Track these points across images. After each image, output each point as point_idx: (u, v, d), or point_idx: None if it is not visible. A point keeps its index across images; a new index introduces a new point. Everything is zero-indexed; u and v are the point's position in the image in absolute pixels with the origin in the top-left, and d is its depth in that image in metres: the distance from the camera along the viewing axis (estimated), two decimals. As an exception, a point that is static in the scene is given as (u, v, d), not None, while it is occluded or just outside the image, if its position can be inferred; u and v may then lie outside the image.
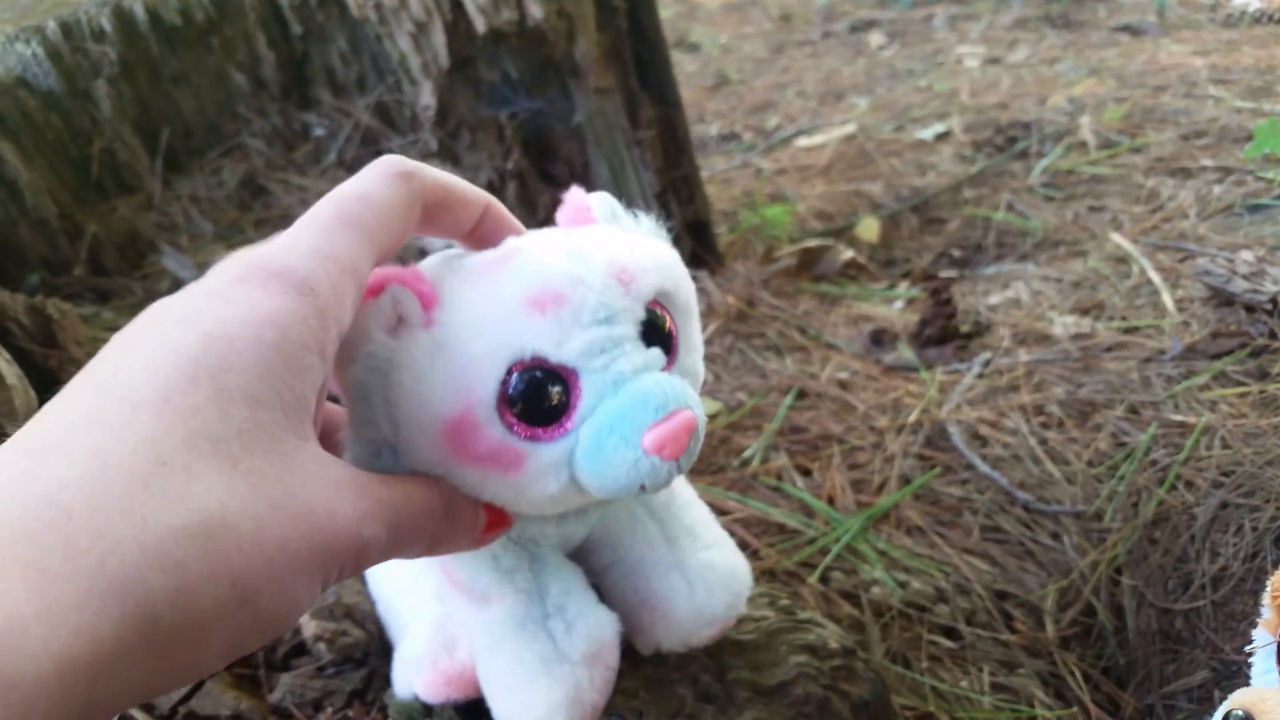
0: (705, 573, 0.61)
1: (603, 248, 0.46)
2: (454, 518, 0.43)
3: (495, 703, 0.57)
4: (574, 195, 0.52)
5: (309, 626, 0.77)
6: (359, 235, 0.40)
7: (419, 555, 0.43)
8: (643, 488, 0.43)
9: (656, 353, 0.46)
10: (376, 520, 0.37)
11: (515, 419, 0.43)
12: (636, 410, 0.42)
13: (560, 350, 0.42)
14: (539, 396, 0.43)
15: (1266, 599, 0.60)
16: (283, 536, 0.33)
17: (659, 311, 0.47)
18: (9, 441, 0.33)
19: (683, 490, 0.64)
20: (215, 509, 0.31)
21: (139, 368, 0.33)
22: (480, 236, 0.48)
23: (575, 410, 0.43)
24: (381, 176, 0.42)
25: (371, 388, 0.43)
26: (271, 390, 0.35)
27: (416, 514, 0.41)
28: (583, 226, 0.50)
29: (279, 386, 0.35)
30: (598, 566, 0.62)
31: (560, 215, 0.52)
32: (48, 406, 0.34)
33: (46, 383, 1.03)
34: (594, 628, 0.57)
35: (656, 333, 0.47)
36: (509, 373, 0.42)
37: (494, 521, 0.47)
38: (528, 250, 0.45)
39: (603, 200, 0.52)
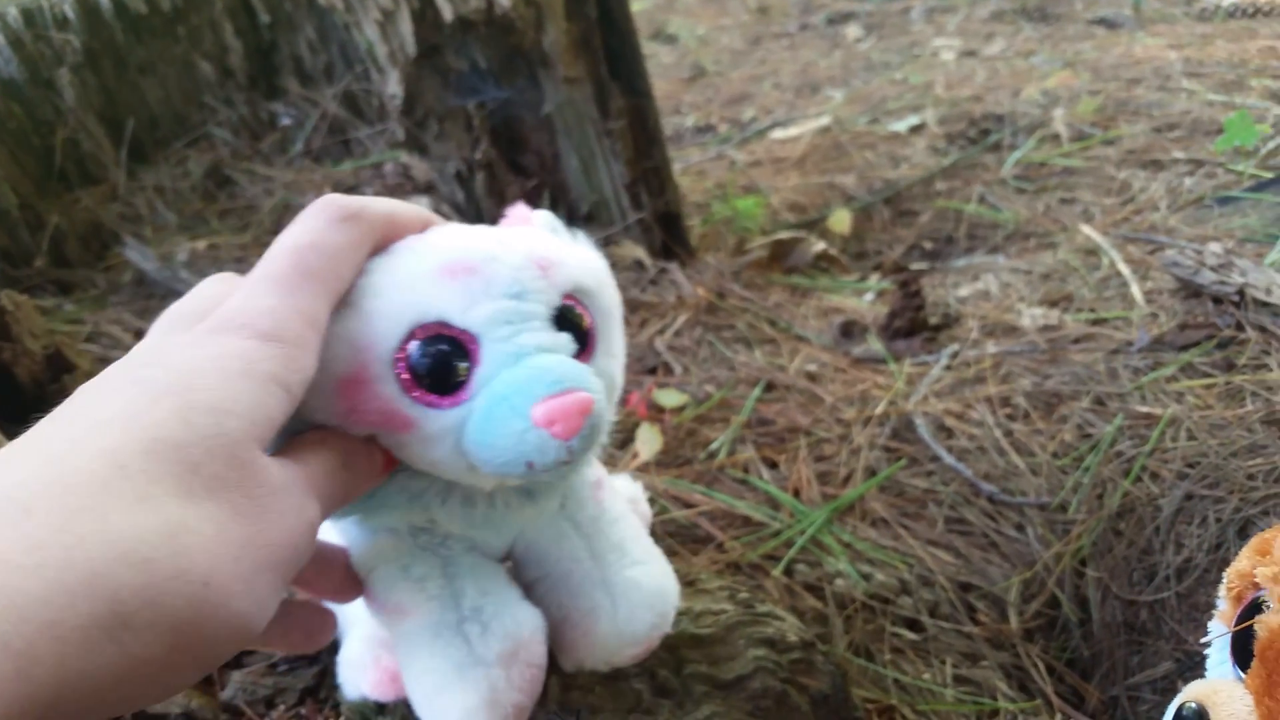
0: (630, 591, 0.60)
1: (526, 239, 0.47)
2: (354, 466, 0.44)
3: (417, 708, 0.56)
4: (518, 210, 0.53)
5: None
6: (316, 286, 0.41)
7: (339, 507, 0.43)
8: (530, 465, 0.43)
9: (566, 338, 0.46)
10: (312, 500, 0.39)
11: (412, 381, 0.43)
12: (531, 383, 0.42)
13: (465, 315, 0.43)
14: (438, 359, 0.43)
15: (1223, 591, 0.60)
16: (245, 537, 0.33)
17: (577, 308, 0.48)
18: None
19: (612, 505, 0.63)
20: (175, 512, 0.31)
21: (106, 397, 0.34)
22: None
23: (472, 381, 0.44)
24: (330, 221, 0.42)
25: None
26: (236, 403, 0.35)
27: (331, 476, 0.42)
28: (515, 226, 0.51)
29: (245, 400, 0.35)
30: (525, 581, 0.61)
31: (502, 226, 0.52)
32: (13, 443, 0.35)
33: (0, 376, 1.01)
34: (511, 626, 0.55)
35: (570, 325, 0.47)
36: (411, 337, 0.43)
37: (391, 460, 0.47)
38: (454, 231, 0.47)
39: (545, 216, 0.53)
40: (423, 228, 0.48)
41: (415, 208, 0.48)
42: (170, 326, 0.40)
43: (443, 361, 0.43)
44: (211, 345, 0.37)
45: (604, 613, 0.59)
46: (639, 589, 0.60)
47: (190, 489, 0.32)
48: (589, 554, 0.60)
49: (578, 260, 0.49)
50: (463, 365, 0.43)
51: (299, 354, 0.38)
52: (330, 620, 0.52)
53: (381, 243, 0.46)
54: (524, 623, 0.56)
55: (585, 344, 0.48)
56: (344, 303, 0.43)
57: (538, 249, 0.46)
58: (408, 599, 0.54)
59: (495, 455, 0.43)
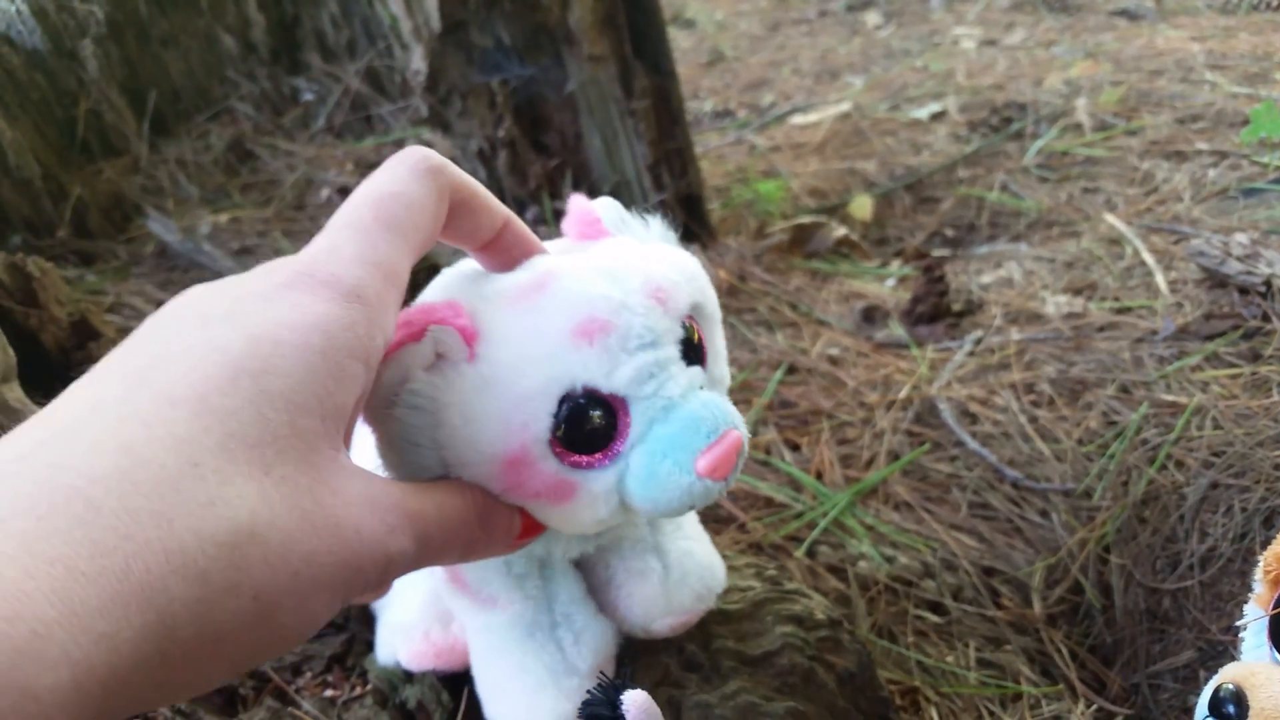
0: (683, 559, 0.61)
1: (636, 266, 0.46)
2: (490, 526, 0.43)
3: (495, 707, 0.56)
4: (579, 204, 0.51)
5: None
6: (398, 239, 0.39)
7: (453, 562, 0.42)
8: (691, 506, 0.44)
9: (698, 371, 0.46)
10: (403, 535, 0.36)
11: (564, 449, 0.43)
12: (689, 436, 0.43)
13: (610, 380, 0.42)
14: (591, 423, 0.43)
15: (1259, 574, 0.59)
16: (309, 551, 0.32)
17: (691, 325, 0.47)
18: (33, 419, 0.32)
19: None
20: (244, 519, 0.30)
21: (177, 362, 0.33)
22: (499, 249, 0.47)
23: (626, 436, 0.43)
24: (413, 171, 0.41)
25: (418, 430, 0.42)
26: (313, 396, 0.34)
27: (449, 526, 0.40)
28: (601, 240, 0.49)
29: (320, 393, 0.34)
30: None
31: (566, 225, 0.51)
32: (74, 387, 0.33)
33: (26, 342, 1.01)
34: (601, 640, 0.57)
35: (692, 348, 0.47)
36: (560, 405, 0.42)
37: (529, 528, 0.46)
38: (563, 274, 0.45)
39: (609, 207, 0.51)
40: (501, 220, 0.46)
41: (495, 198, 0.46)
42: (259, 273, 0.38)
43: (597, 427, 0.43)
44: (290, 307, 0.35)
45: (655, 574, 0.59)
46: (692, 558, 0.61)
47: (263, 492, 0.31)
48: (647, 522, 0.60)
49: (685, 275, 0.48)
50: (606, 419, 0.43)
51: (379, 316, 0.37)
52: None
53: (460, 208, 0.43)
54: (609, 639, 0.58)
55: (700, 359, 0.48)
56: (481, 377, 0.42)
57: (652, 277, 0.45)
58: (503, 593, 0.55)
59: (663, 507, 0.44)
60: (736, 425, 0.44)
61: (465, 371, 0.42)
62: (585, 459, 0.43)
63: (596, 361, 0.42)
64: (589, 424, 0.43)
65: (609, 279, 0.44)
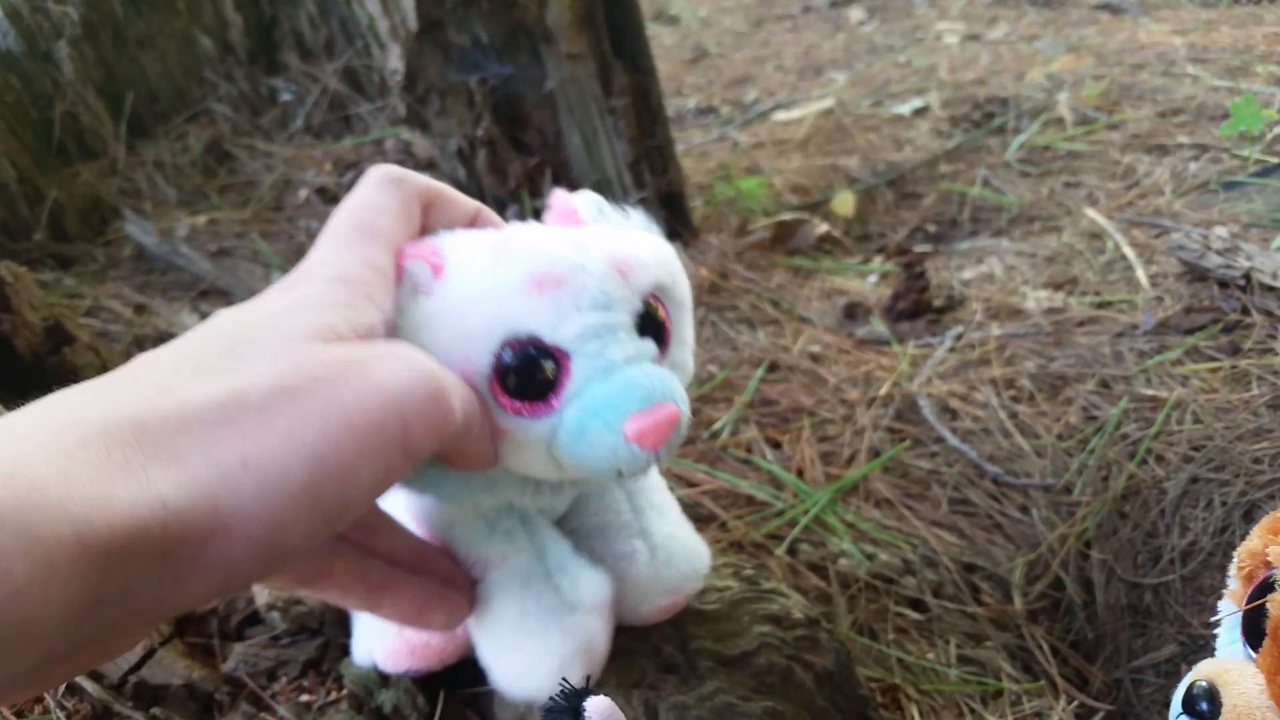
0: (668, 541, 0.61)
1: (603, 240, 0.47)
2: (485, 430, 0.45)
3: (499, 659, 0.56)
4: (559, 197, 0.53)
5: (262, 595, 0.76)
6: (376, 236, 0.44)
7: (473, 455, 0.44)
8: (620, 473, 0.44)
9: (649, 344, 0.47)
10: (422, 361, 0.39)
11: (504, 392, 0.44)
12: (623, 398, 0.43)
13: (555, 332, 0.43)
14: (531, 371, 0.43)
15: (1233, 570, 0.59)
16: (300, 412, 0.34)
17: (654, 304, 0.48)
18: None
19: (653, 473, 0.64)
20: (213, 411, 0.33)
21: (170, 347, 0.37)
22: None
23: (563, 390, 0.44)
24: (379, 184, 0.46)
25: None
26: (277, 326, 0.37)
27: (469, 395, 0.42)
28: (579, 228, 0.51)
29: (298, 322, 0.37)
30: (563, 529, 0.61)
31: (548, 218, 0.52)
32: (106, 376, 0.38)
33: (-1, 347, 1.00)
34: (598, 580, 0.57)
35: (651, 325, 0.47)
36: (503, 350, 0.43)
37: None
38: (530, 235, 0.47)
39: (588, 200, 0.52)
40: (472, 210, 0.50)
41: (460, 193, 0.50)
42: None
43: (537, 376, 0.44)
44: (276, 300, 0.39)
45: (641, 556, 0.60)
46: (676, 540, 0.62)
47: (232, 386, 0.34)
48: (630, 507, 0.61)
49: (655, 257, 0.49)
50: (555, 378, 0.44)
51: (366, 289, 0.41)
52: (458, 602, 0.53)
53: (430, 207, 0.48)
54: (607, 582, 0.57)
55: (662, 340, 0.48)
56: (433, 309, 0.44)
57: (618, 251, 0.47)
58: (495, 551, 0.55)
59: (587, 464, 0.44)
60: (675, 400, 0.45)
61: (420, 303, 0.44)
62: (522, 405, 0.44)
63: (545, 312, 0.43)
64: (534, 372, 0.44)
65: (573, 244, 0.46)
